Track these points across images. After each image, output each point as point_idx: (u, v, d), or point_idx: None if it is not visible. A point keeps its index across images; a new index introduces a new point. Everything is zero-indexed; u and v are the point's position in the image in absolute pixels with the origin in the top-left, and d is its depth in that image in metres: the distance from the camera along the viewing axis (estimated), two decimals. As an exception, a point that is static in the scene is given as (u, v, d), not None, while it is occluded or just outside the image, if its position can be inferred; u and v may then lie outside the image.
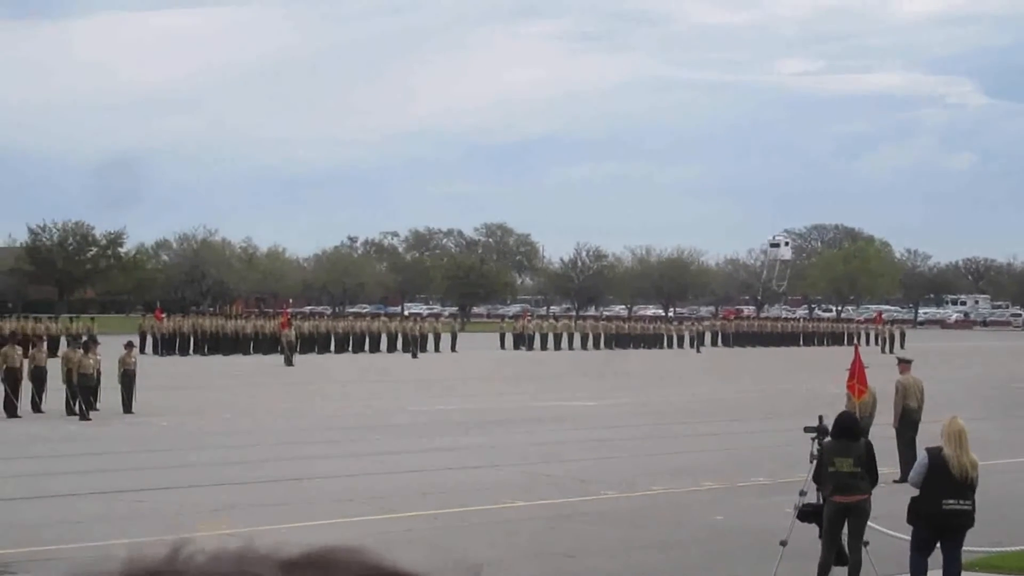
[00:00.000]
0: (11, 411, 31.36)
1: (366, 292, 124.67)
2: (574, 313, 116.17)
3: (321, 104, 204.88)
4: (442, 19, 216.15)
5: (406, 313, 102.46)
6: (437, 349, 69.93)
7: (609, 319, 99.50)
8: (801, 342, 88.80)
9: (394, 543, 14.28)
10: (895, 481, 18.01)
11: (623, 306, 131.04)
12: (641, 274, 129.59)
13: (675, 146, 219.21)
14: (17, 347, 34.11)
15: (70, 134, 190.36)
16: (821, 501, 12.95)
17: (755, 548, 14.75)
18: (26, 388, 32.29)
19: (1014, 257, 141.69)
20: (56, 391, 31.70)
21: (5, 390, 31.68)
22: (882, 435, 18.64)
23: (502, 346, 76.63)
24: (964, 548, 12.74)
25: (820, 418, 13.65)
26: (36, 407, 31.98)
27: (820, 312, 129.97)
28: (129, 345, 34.01)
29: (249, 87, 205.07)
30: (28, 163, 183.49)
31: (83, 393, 30.84)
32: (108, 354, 33.05)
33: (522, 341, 77.31)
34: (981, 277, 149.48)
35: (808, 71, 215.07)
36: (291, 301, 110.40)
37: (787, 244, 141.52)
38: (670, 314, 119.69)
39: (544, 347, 76.69)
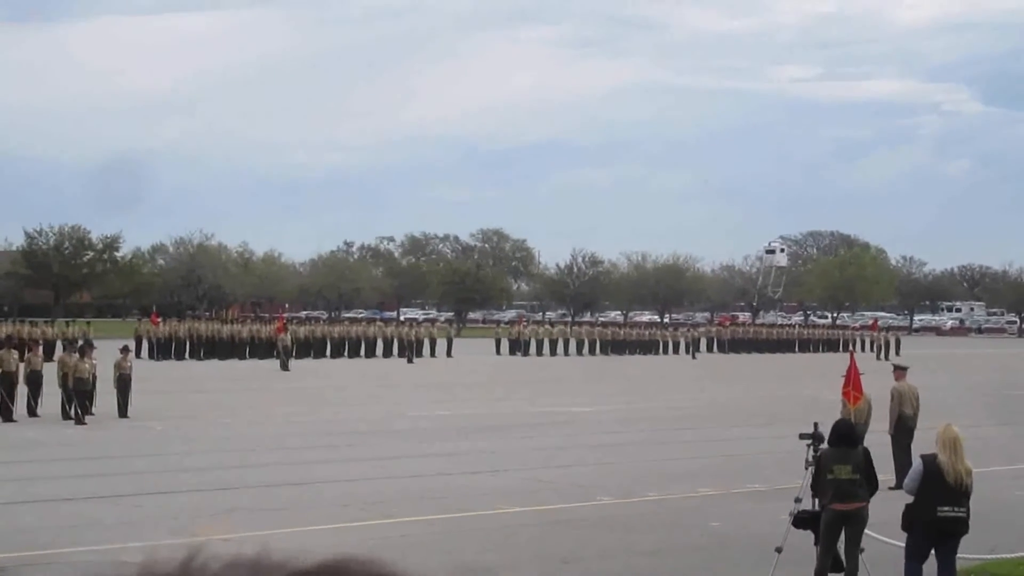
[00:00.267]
0: (7, 415, 31.31)
1: (362, 297, 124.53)
2: (570, 319, 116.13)
3: (318, 109, 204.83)
4: (440, 24, 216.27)
5: (402, 318, 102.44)
6: (433, 354, 69.81)
7: (605, 325, 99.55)
8: (796, 348, 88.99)
9: (392, 548, 14.29)
10: (890, 488, 18.02)
11: (619, 312, 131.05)
12: (637, 280, 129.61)
13: (672, 152, 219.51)
14: (13, 351, 34.08)
15: (67, 137, 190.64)
16: (817, 508, 12.97)
17: (751, 554, 14.78)
18: (22, 392, 32.24)
19: (1009, 264, 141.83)
20: (52, 395, 31.65)
21: (1, 394, 31.62)
22: (877, 442, 18.66)
23: (498, 351, 76.57)
24: (959, 555, 12.77)
25: (816, 425, 13.67)
26: (32, 411, 31.96)
27: (815, 319, 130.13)
28: (125, 349, 34.00)
29: (246, 91, 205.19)
30: (24, 166, 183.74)
31: (79, 397, 30.81)
32: (104, 358, 33.01)
33: (518, 347, 77.22)
34: (976, 284, 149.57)
35: (805, 78, 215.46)
36: (287, 306, 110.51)
37: (783, 250, 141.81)
38: (666, 320, 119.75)
39: (540, 353, 76.62)
